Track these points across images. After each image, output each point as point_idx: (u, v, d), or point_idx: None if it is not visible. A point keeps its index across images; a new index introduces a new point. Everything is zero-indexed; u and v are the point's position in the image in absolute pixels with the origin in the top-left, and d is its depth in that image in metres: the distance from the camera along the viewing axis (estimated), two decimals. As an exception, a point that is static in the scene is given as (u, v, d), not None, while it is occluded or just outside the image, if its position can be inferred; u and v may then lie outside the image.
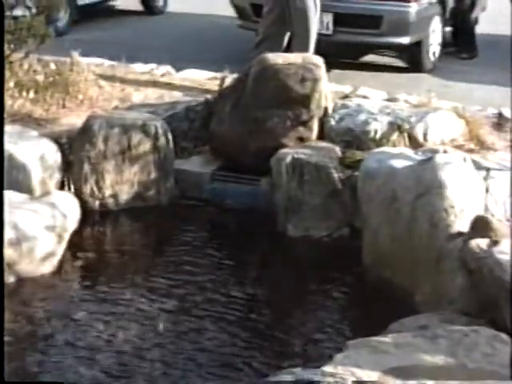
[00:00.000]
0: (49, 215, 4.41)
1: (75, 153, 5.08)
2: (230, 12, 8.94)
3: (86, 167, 5.06)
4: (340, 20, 8.04)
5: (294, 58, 5.33)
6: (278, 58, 5.27)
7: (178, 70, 6.93)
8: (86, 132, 5.08)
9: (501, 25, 11.19)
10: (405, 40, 8.19)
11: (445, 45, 9.25)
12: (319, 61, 5.28)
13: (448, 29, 9.52)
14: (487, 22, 9.95)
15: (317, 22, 6.82)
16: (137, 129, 5.09)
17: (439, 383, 2.74)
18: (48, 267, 4.35)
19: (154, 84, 6.37)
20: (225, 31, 9.79)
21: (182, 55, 8.45)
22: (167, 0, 12.06)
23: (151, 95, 6.04)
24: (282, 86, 5.13)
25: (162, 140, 5.16)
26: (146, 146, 5.11)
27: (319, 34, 7.60)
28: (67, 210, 4.54)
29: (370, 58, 9.11)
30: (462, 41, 9.64)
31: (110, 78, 6.39)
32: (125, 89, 6.20)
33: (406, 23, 8.10)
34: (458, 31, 9.74)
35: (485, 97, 7.55)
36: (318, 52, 6.34)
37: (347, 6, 8.09)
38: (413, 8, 8.12)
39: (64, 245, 4.47)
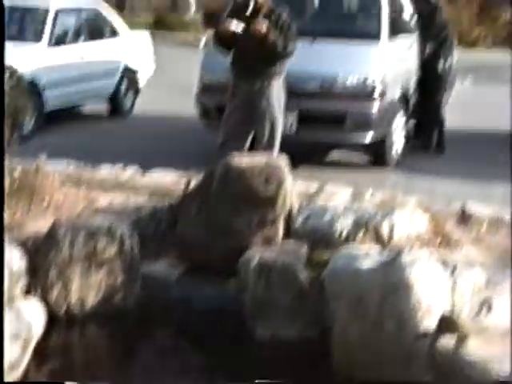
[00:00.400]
0: (13, 323, 4.35)
1: (41, 258, 5.06)
2: (195, 113, 9.07)
3: (52, 273, 5.03)
4: (304, 119, 8.20)
5: (259, 159, 5.40)
6: (242, 160, 5.34)
7: (144, 172, 6.97)
8: (51, 238, 5.07)
9: (464, 118, 11.49)
10: (368, 137, 8.35)
11: (409, 140, 9.44)
12: (284, 161, 5.36)
13: (411, 124, 9.73)
14: (449, 116, 10.17)
15: (281, 121, 6.94)
16: (102, 233, 5.10)
17: None
18: (12, 377, 4.27)
19: (120, 187, 6.40)
20: (190, 132, 9.92)
21: (148, 158, 8.52)
22: (134, 102, 12.23)
23: (117, 199, 6.05)
24: (247, 188, 5.19)
25: (128, 244, 5.16)
26: (112, 250, 5.10)
27: (283, 133, 7.75)
28: (32, 318, 4.49)
29: (335, 155, 9.26)
30: (428, 135, 9.83)
31: (76, 182, 6.41)
32: (90, 193, 6.22)
33: (369, 121, 8.27)
34: (422, 126, 9.95)
35: (449, 191, 7.68)
36: (282, 151, 6.43)
37: (311, 105, 8.25)
38: (376, 105, 8.30)
39: (29, 353, 4.40)
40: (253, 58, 6.63)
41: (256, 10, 6.73)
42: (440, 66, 9.72)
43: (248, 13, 6.69)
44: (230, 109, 7.03)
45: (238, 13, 6.78)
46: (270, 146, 6.79)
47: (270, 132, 6.84)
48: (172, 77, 15.38)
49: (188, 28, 23.45)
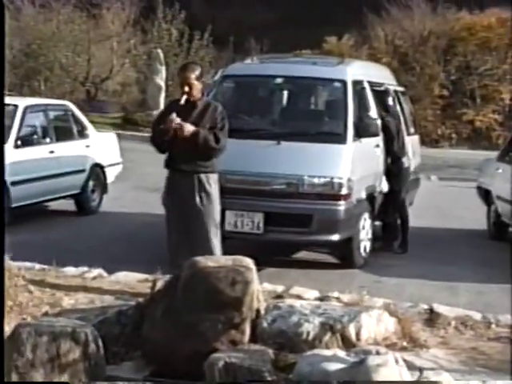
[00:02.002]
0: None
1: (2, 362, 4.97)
2: (162, 210, 9.07)
3: (14, 377, 4.94)
4: (270, 219, 8.25)
5: (225, 260, 5.41)
6: (208, 261, 5.34)
7: (109, 272, 6.95)
8: (13, 341, 4.99)
9: (427, 218, 11.63)
10: (335, 237, 8.39)
11: (375, 239, 9.50)
12: (250, 263, 5.36)
13: (377, 224, 9.82)
14: (414, 216, 10.29)
15: (219, 245, 6.77)
16: (66, 336, 5.03)
17: None
18: None
19: (85, 288, 6.37)
20: (157, 230, 9.91)
21: (114, 257, 8.52)
22: (101, 200, 12.25)
23: (82, 300, 6.02)
24: (213, 290, 5.17)
25: (93, 347, 5.09)
26: (76, 353, 5.02)
27: (250, 234, 7.80)
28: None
29: (302, 255, 9.29)
30: (394, 235, 9.92)
31: (41, 283, 6.37)
32: (55, 293, 6.18)
33: (335, 221, 8.34)
34: (387, 226, 10.04)
35: (416, 292, 7.71)
36: (248, 252, 6.44)
37: (277, 206, 8.31)
38: (342, 206, 8.38)
39: None
40: (187, 154, 6.60)
41: (190, 105, 6.65)
42: (402, 165, 9.88)
43: (182, 103, 6.59)
44: (169, 208, 6.93)
45: (171, 112, 6.73)
46: (208, 245, 6.65)
47: (209, 228, 6.70)
48: (140, 174, 15.47)
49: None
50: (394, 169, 9.78)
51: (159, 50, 26.81)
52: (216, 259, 5.49)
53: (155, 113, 24.85)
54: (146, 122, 24.83)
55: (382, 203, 9.74)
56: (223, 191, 6.96)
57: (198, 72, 6.70)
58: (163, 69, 26.41)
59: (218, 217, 6.70)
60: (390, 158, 9.80)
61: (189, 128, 6.50)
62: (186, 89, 6.61)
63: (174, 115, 6.53)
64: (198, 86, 6.67)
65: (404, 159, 9.91)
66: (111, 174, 12.61)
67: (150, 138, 6.84)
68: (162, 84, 26.19)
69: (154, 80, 26.16)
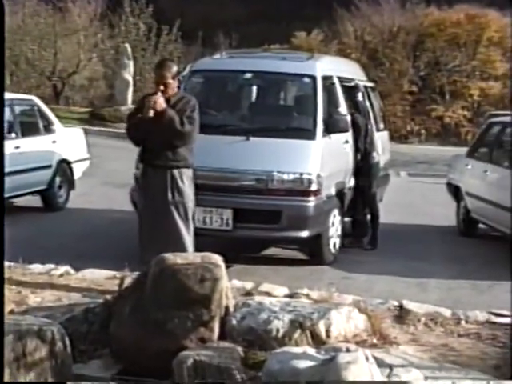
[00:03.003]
0: None
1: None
2: (129, 207, 9.03)
3: (-22, 376, 4.88)
4: (239, 215, 8.23)
5: (193, 257, 5.39)
6: (176, 258, 5.32)
7: (76, 269, 6.91)
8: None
9: (396, 214, 11.69)
10: (304, 234, 8.39)
11: (345, 236, 9.53)
12: (219, 259, 5.35)
13: (347, 220, 9.84)
14: (384, 212, 10.33)
15: (191, 243, 6.76)
16: (32, 335, 4.98)
17: None
18: None
19: (52, 286, 6.32)
20: (125, 227, 9.88)
21: (81, 253, 8.46)
22: (68, 196, 12.17)
23: (49, 298, 5.97)
24: (182, 287, 5.16)
25: (59, 345, 5.04)
26: (42, 352, 4.98)
27: (219, 230, 7.77)
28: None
29: (271, 251, 9.29)
30: (364, 231, 9.95)
31: (7, 281, 6.30)
32: (21, 291, 6.12)
33: (304, 217, 8.34)
34: (357, 222, 10.07)
35: (386, 288, 7.74)
36: (217, 248, 6.42)
37: (246, 202, 8.29)
38: (311, 202, 8.38)
39: None
40: (160, 148, 6.60)
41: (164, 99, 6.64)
42: (372, 161, 9.91)
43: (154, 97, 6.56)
44: (140, 203, 6.92)
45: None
46: (181, 242, 6.63)
47: (181, 225, 6.68)
48: (107, 170, 15.39)
49: (124, 120, 23.68)
50: (364, 164, 9.81)
51: (127, 45, 26.68)
52: (185, 256, 5.47)
53: (123, 108, 24.79)
54: (113, 117, 24.75)
55: (352, 199, 9.77)
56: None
57: (174, 70, 6.70)
58: (131, 63, 26.29)
59: (190, 213, 6.68)
60: (360, 154, 9.84)
61: (162, 103, 6.48)
62: (162, 88, 6.60)
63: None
64: (173, 84, 6.68)
65: (373, 155, 9.94)
66: (78, 170, 12.53)
67: (126, 129, 6.82)
68: (130, 79, 26.07)
69: (121, 75, 26.02)
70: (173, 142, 6.57)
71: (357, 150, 9.81)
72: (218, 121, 9.18)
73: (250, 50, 11.15)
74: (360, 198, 9.93)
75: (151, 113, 6.46)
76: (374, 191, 9.95)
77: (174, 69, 6.72)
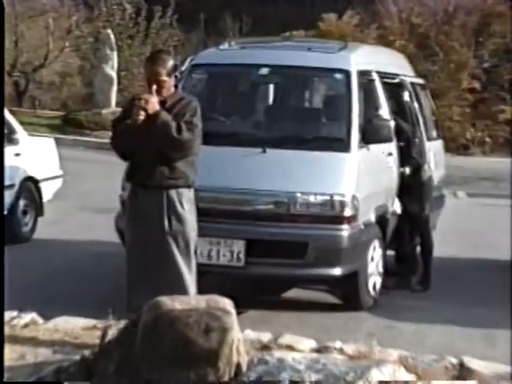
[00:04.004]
0: None
1: None
2: (113, 237, 9.03)
3: None
4: (254, 248, 8.26)
5: (196, 301, 5.42)
6: (175, 303, 5.36)
7: (46, 318, 6.93)
8: None
9: (454, 245, 11.69)
10: (336, 271, 8.41)
11: (388, 274, 9.53)
12: (228, 304, 5.38)
13: (391, 253, 9.85)
14: (438, 243, 10.33)
15: (193, 283, 6.79)
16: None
17: None
18: None
19: (14, 339, 6.34)
20: (108, 263, 9.92)
21: (52, 297, 8.50)
22: (36, 223, 12.22)
23: (10, 355, 5.99)
24: (181, 339, 5.18)
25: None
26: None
27: (228, 267, 7.79)
28: None
29: (293, 293, 9.31)
30: (412, 268, 9.95)
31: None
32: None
33: (336, 250, 8.35)
34: (403, 257, 10.07)
35: (440, 341, 7.74)
36: (226, 290, 6.46)
37: (263, 231, 8.34)
38: (345, 231, 8.40)
39: None
40: (153, 163, 6.60)
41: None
42: (423, 178, 9.93)
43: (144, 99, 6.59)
44: (128, 233, 6.94)
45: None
46: (180, 282, 6.66)
47: (181, 260, 6.71)
48: (86, 190, 15.47)
49: (107, 127, 23.78)
50: (412, 183, 9.82)
51: (109, 31, 26.88)
52: (185, 300, 5.49)
53: (105, 112, 24.94)
54: (92, 123, 24.89)
55: (397, 227, 9.78)
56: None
57: (170, 64, 6.74)
58: (114, 55, 26.48)
59: (192, 246, 6.72)
60: (407, 170, 9.84)
61: (155, 105, 6.52)
62: (155, 87, 6.66)
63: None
64: (169, 82, 6.74)
65: (424, 170, 9.96)
66: (48, 191, 12.59)
67: (110, 138, 6.88)
68: (114, 75, 26.25)
69: (102, 69, 26.22)
70: (168, 153, 6.61)
71: (403, 164, 9.83)
72: (227, 128, 9.25)
73: (267, 38, 11.23)
74: (407, 226, 9.94)
75: (142, 116, 6.51)
76: (425, 216, 9.96)
77: (170, 63, 6.77)
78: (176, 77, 7.12)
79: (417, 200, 9.85)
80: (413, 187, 9.85)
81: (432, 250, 9.98)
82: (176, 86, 6.97)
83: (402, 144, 9.81)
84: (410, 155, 9.89)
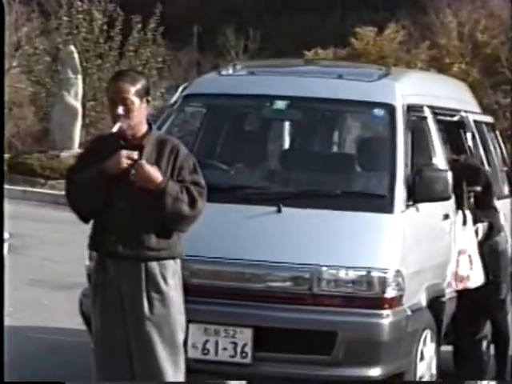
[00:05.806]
0: None
1: None
2: (80, 323, 9.07)
3: None
4: (264, 339, 8.30)
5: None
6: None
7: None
8: None
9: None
10: (375, 371, 8.40)
11: (445, 377, 9.52)
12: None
13: (449, 349, 9.86)
14: None
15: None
16: None
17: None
18: None
19: None
20: (70, 357, 9.96)
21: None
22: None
23: None
24: None
25: None
26: None
27: (230, 364, 7.85)
28: None
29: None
30: (478, 368, 9.95)
31: None
32: None
33: (375, 344, 8.33)
34: (464, 353, 10.06)
35: None
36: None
37: (275, 316, 8.39)
38: (386, 319, 8.41)
39: None
40: (130, 224, 6.59)
41: (130, 144, 6.61)
42: (495, 247, 9.94)
43: (114, 131, 6.51)
44: (99, 318, 6.92)
45: (98, 153, 6.77)
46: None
47: (164, 353, 6.75)
48: (38, 258, 15.51)
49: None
50: (484, 251, 9.78)
51: (72, 48, 26.95)
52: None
53: (65, 155, 24.99)
54: (48, 169, 24.92)
55: (456, 313, 9.76)
56: (186, 291, 7.06)
57: (140, 85, 6.75)
58: (79, 79, 26.56)
59: (180, 335, 6.78)
60: (480, 228, 9.79)
61: (151, 172, 6.56)
62: (121, 111, 6.64)
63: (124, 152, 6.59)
64: (140, 107, 6.72)
65: (501, 235, 9.96)
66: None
67: (66, 192, 6.85)
68: (78, 105, 26.32)
69: (62, 98, 26.30)
70: (171, 227, 6.67)
71: (475, 220, 9.83)
72: (230, 180, 9.32)
73: (283, 60, 11.28)
74: (472, 311, 9.91)
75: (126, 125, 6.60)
76: (501, 298, 9.94)
77: (142, 83, 6.78)
78: (151, 105, 7.01)
79: (486, 276, 9.78)
80: (483, 257, 9.79)
81: (509, 343, 9.94)
82: (149, 124, 6.89)
83: (478, 189, 9.80)
84: (490, 205, 9.89)
